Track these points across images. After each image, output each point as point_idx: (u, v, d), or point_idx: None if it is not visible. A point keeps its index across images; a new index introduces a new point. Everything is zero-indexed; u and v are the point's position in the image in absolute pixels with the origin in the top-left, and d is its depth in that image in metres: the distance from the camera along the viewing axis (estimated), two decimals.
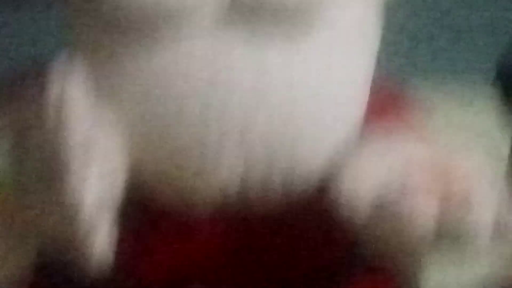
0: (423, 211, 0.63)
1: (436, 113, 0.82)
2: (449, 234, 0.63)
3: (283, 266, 0.75)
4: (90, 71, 0.67)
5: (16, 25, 1.49)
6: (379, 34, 0.76)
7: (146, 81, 0.68)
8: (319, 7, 0.69)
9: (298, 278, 0.76)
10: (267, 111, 0.67)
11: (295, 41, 0.69)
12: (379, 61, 0.77)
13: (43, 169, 0.64)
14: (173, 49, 0.68)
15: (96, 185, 0.62)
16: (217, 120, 0.67)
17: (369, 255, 0.71)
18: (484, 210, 0.63)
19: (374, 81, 0.75)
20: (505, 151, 0.76)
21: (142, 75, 0.68)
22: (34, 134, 0.65)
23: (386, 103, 0.78)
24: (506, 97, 0.74)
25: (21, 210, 0.69)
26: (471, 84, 0.81)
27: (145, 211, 0.70)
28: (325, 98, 0.70)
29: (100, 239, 0.63)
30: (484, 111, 0.75)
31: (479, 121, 0.76)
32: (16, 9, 1.52)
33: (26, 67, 0.75)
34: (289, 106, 0.68)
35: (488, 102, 0.76)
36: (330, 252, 0.74)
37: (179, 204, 0.70)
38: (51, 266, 0.70)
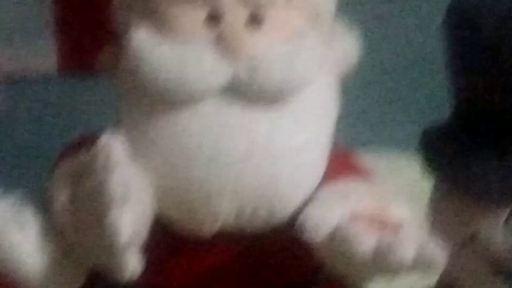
0: (365, 241, 0.66)
1: (375, 172, 0.84)
2: (384, 257, 0.66)
3: (267, 276, 0.78)
4: (127, 136, 0.72)
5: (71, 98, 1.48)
6: (337, 109, 0.80)
7: (166, 143, 0.73)
8: (294, 90, 0.74)
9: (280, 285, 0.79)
10: (255, 167, 0.72)
11: (275, 113, 0.74)
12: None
13: (91, 209, 0.67)
14: (187, 119, 0.73)
15: (130, 222, 0.65)
16: (219, 173, 0.72)
17: (327, 271, 0.75)
18: (409, 242, 0.66)
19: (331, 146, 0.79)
20: (425, 202, 0.81)
21: (163, 139, 0.73)
22: (86, 183, 0.68)
23: (338, 163, 0.79)
24: (426, 163, 0.78)
25: (75, 241, 0.71)
26: (403, 152, 0.84)
27: (165, 233, 0.73)
28: (297, 159, 0.74)
29: (132, 261, 0.67)
30: (412, 172, 0.80)
31: (409, 180, 0.81)
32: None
33: (82, 134, 0.78)
34: (270, 164, 0.73)
35: (414, 166, 0.80)
36: (300, 266, 0.77)
37: (191, 232, 0.74)
38: (99, 279, 0.73)
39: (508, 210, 0.73)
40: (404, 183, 0.82)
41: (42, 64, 1.51)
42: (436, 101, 0.80)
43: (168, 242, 0.73)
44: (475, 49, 0.74)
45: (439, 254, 0.66)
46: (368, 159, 0.85)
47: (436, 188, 0.80)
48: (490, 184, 0.72)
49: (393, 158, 0.90)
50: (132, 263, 0.67)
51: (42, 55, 1.51)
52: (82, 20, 1.45)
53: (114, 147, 0.68)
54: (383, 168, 0.86)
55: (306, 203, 0.74)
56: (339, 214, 0.71)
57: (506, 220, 0.73)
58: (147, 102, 0.73)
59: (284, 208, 0.74)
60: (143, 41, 0.74)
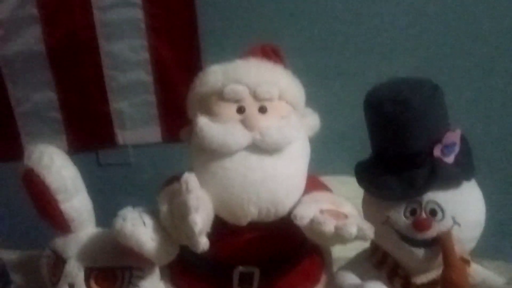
0: (329, 223, 0.65)
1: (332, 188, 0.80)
2: (340, 234, 0.64)
3: (277, 244, 0.74)
4: (197, 174, 0.70)
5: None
6: (309, 153, 0.77)
7: (217, 177, 0.71)
8: (286, 144, 0.73)
9: (286, 251, 0.76)
10: (267, 187, 0.71)
11: (277, 157, 0.72)
12: None
13: (180, 214, 0.65)
14: (228, 163, 0.71)
15: (202, 216, 0.64)
16: (247, 192, 0.70)
17: (310, 241, 0.73)
18: (353, 224, 0.64)
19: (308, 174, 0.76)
20: (360, 204, 0.77)
21: (215, 174, 0.71)
22: (177, 200, 0.67)
23: (312, 183, 0.77)
24: (359, 181, 0.76)
25: (173, 232, 0.69)
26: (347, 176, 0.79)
27: (219, 224, 0.70)
28: (290, 182, 0.73)
29: (203, 241, 0.65)
30: (353, 186, 0.77)
31: (351, 191, 0.77)
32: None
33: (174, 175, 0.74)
34: (275, 185, 0.71)
35: (354, 183, 0.77)
36: (294, 237, 0.72)
37: (234, 221, 0.72)
38: (185, 250, 0.70)
39: (404, 204, 0.72)
40: (349, 193, 0.78)
41: (152, 135, 1.51)
42: (363, 148, 0.78)
43: (222, 229, 0.71)
44: (379, 124, 0.74)
45: (369, 230, 0.65)
46: (328, 181, 0.83)
47: (365, 194, 0.78)
48: (392, 191, 0.72)
49: (343, 179, 0.87)
50: (204, 242, 0.65)
51: (153, 132, 1.52)
52: (174, 114, 1.43)
53: (191, 179, 0.67)
54: (337, 185, 0.83)
55: (295, 205, 0.72)
56: (314, 210, 0.69)
57: (405, 209, 0.73)
58: (206, 155, 0.72)
59: (284, 209, 0.73)
60: (204, 123, 0.73)
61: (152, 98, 1.46)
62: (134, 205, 0.72)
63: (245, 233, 0.73)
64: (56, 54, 1.35)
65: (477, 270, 0.74)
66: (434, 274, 0.72)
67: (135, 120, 1.48)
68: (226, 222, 0.72)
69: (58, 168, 0.70)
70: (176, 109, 1.31)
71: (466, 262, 0.73)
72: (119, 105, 1.44)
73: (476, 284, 0.72)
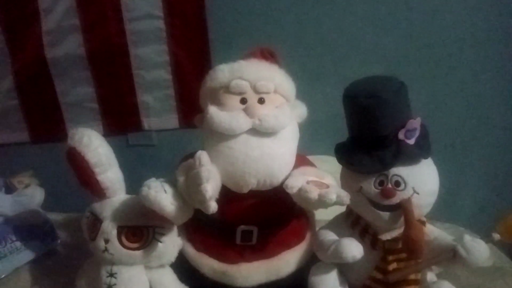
0: (314, 191, 0.65)
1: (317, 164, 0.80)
2: (322, 200, 0.64)
3: (272, 208, 0.74)
4: (208, 152, 0.69)
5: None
6: (298, 136, 0.76)
7: (223, 154, 0.70)
8: (280, 129, 0.72)
9: (279, 213, 0.75)
10: (264, 163, 0.70)
11: (273, 139, 0.71)
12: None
13: (194, 184, 0.64)
14: (233, 143, 0.70)
15: (212, 185, 0.64)
16: (248, 166, 0.69)
17: (298, 206, 0.71)
18: (333, 192, 0.64)
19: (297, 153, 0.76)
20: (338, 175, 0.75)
21: (222, 152, 0.70)
22: (192, 172, 0.66)
23: (300, 160, 0.76)
24: (338, 158, 0.75)
25: (188, 198, 0.67)
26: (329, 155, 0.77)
27: (225, 191, 0.69)
28: (283, 159, 0.72)
29: (213, 205, 0.64)
30: (333, 163, 0.75)
31: (332, 166, 0.76)
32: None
33: (190, 152, 0.73)
34: (271, 161, 0.70)
35: (334, 160, 0.75)
36: (286, 202, 0.71)
37: (237, 189, 0.71)
38: (198, 213, 0.69)
39: (374, 177, 0.72)
40: (330, 168, 0.78)
41: (172, 123, 1.49)
42: (342, 133, 0.77)
43: (227, 196, 0.70)
44: (355, 113, 0.73)
45: (346, 196, 0.65)
46: (314, 159, 0.82)
47: (343, 169, 0.78)
48: (364, 165, 0.72)
49: (325, 158, 0.85)
50: (213, 206, 0.65)
51: (172, 119, 1.48)
52: (190, 104, 1.41)
53: (203, 156, 0.67)
54: (320, 162, 0.82)
55: (287, 177, 0.72)
56: (302, 181, 0.69)
57: (374, 181, 0.72)
58: (215, 137, 0.72)
59: (278, 180, 0.72)
60: (213, 112, 0.72)
61: (171, 92, 1.44)
62: (157, 177, 0.71)
63: (246, 199, 0.73)
64: (94, 56, 1.35)
65: (431, 230, 0.74)
66: (397, 232, 0.73)
67: (158, 110, 1.47)
68: (231, 190, 0.72)
69: (95, 146, 0.70)
70: (191, 100, 1.28)
71: (423, 223, 0.73)
72: (144, 98, 1.43)
73: (430, 240, 0.72)
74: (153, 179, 0.70)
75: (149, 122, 1.49)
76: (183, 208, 0.68)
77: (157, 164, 1.47)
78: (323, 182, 0.69)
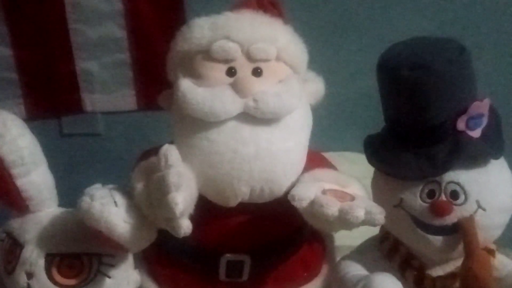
0: (333, 206, 0.65)
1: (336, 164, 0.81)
2: (345, 218, 0.64)
3: (271, 231, 0.75)
4: (179, 146, 0.70)
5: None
6: (311, 124, 0.78)
7: (203, 150, 0.71)
8: (284, 114, 0.73)
9: (281, 237, 0.77)
10: (260, 163, 0.71)
11: (273, 128, 0.72)
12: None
13: (159, 192, 0.65)
14: (216, 134, 0.71)
15: (184, 195, 0.64)
16: (237, 168, 0.71)
17: (309, 226, 0.73)
18: (360, 207, 0.65)
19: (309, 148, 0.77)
20: (369, 185, 0.78)
21: (201, 147, 0.71)
22: (154, 177, 0.66)
23: (313, 159, 0.77)
24: (369, 157, 0.76)
25: (149, 213, 0.69)
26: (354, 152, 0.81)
27: (203, 205, 0.70)
28: (287, 157, 0.73)
29: (185, 224, 0.65)
30: (362, 167, 0.78)
31: (358, 169, 0.80)
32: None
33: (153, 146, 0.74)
34: (270, 161, 0.71)
35: (362, 159, 0.78)
36: (291, 220, 0.73)
37: (221, 202, 0.72)
38: (163, 235, 0.70)
39: (421, 185, 0.73)
40: (357, 171, 0.80)
41: (127, 103, 1.50)
42: (374, 120, 0.78)
43: (207, 211, 0.71)
44: (394, 91, 0.74)
45: (379, 214, 0.66)
46: (333, 157, 0.84)
47: (375, 173, 0.79)
48: (408, 169, 0.72)
49: (350, 156, 0.88)
50: (185, 226, 0.65)
51: (127, 98, 1.50)
52: (151, 75, 1.42)
53: (171, 152, 0.67)
54: (343, 162, 0.84)
55: (293, 184, 0.73)
56: (315, 190, 0.69)
57: (421, 191, 0.73)
58: (190, 124, 0.73)
59: (280, 188, 0.73)
60: (187, 87, 0.74)
61: (125, 57, 1.44)
62: (103, 182, 0.72)
63: (234, 216, 0.74)
64: (12, 3, 1.33)
65: (503, 262, 0.75)
66: (452, 265, 0.73)
67: (106, 83, 1.47)
68: (212, 203, 0.73)
69: (13, 137, 0.70)
70: (155, 70, 1.31)
71: (491, 252, 0.74)
72: (86, 64, 1.43)
73: (501, 277, 0.73)
74: (98, 185, 0.71)
75: (92, 100, 1.49)
76: (141, 229, 0.69)
77: (104, 164, 1.47)
78: (346, 192, 0.71)
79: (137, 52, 1.44)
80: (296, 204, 0.68)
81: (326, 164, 0.80)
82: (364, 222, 0.65)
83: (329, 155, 0.83)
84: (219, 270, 0.75)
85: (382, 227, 0.78)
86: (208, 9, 0.77)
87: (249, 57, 0.74)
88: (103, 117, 1.50)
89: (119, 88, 1.48)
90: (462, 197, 0.71)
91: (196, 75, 0.74)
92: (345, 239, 0.79)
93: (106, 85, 1.47)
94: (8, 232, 0.74)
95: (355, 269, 0.76)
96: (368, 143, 0.77)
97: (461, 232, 0.70)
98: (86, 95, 1.48)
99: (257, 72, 0.75)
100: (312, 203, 0.67)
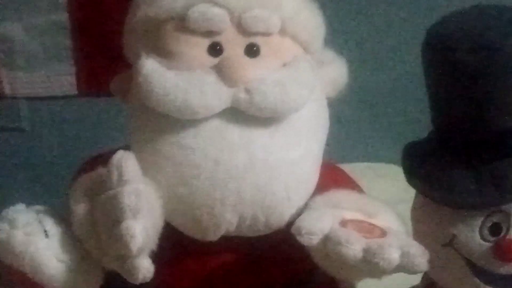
0: (355, 244, 0.66)
1: (363, 183, 0.83)
2: (371, 261, 0.65)
3: (267, 277, 0.77)
4: (139, 152, 0.73)
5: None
6: (327, 126, 0.80)
7: (174, 158, 0.73)
8: (289, 110, 0.74)
9: (281, 285, 0.79)
10: (254, 179, 0.72)
11: (272, 130, 0.74)
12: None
13: (106, 220, 0.67)
14: (193, 135, 0.73)
15: (144, 224, 0.65)
16: (221, 185, 0.71)
17: (322, 271, 0.73)
18: (394, 246, 0.66)
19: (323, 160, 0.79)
20: (408, 213, 0.79)
21: (171, 154, 0.73)
22: (101, 196, 0.68)
23: (330, 175, 0.79)
24: (409, 174, 0.77)
25: (93, 248, 0.70)
26: (388, 163, 0.82)
27: (172, 237, 0.72)
28: (292, 172, 0.74)
29: (144, 265, 0.67)
30: (399, 185, 0.79)
31: (392, 190, 0.81)
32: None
33: (98, 152, 0.77)
34: (268, 177, 0.73)
35: (399, 177, 0.78)
36: (296, 263, 0.76)
37: (198, 234, 0.74)
38: (114, 280, 0.72)
39: (482, 216, 0.73)
40: (389, 192, 0.83)
41: (63, 86, 1.51)
42: (416, 119, 0.79)
43: (176, 247, 0.73)
44: (447, 81, 0.74)
45: (421, 256, 0.67)
46: (357, 171, 0.85)
47: (418, 196, 0.79)
48: (464, 194, 0.73)
49: (380, 170, 0.89)
50: (144, 267, 0.67)
51: (63, 78, 1.50)
52: (99, 47, 1.44)
53: (127, 163, 0.68)
54: (371, 178, 0.85)
55: (300, 211, 0.74)
56: (330, 221, 0.70)
57: (482, 225, 0.74)
58: (156, 122, 0.74)
59: (281, 217, 0.75)
60: (151, 69, 0.74)
61: (63, 18, 1.45)
62: (28, 200, 0.73)
63: (216, 255, 0.76)
64: None
65: None
66: None
67: (33, 56, 1.48)
68: (185, 236, 0.74)
69: None
70: (103, 44, 1.33)
71: None
72: (5, 28, 1.45)
73: None
74: (21, 206, 0.73)
75: (13, 81, 1.50)
76: (81, 270, 0.70)
77: (30, 170, 1.48)
78: (374, 225, 0.72)
79: (79, 12, 1.45)
80: (303, 240, 0.69)
81: (346, 182, 0.82)
82: (399, 268, 0.66)
83: (351, 168, 0.85)
84: None
85: (425, 275, 0.79)
86: None
87: (242, 29, 0.75)
88: (28, 104, 1.51)
89: (51, 64, 1.49)
90: None
91: (165, 53, 0.76)
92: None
93: (33, 59, 1.48)
94: None
95: None
96: (408, 154, 0.78)
97: None
98: (4, 73, 1.49)
99: (252, 51, 0.76)
100: (326, 239, 0.68)
